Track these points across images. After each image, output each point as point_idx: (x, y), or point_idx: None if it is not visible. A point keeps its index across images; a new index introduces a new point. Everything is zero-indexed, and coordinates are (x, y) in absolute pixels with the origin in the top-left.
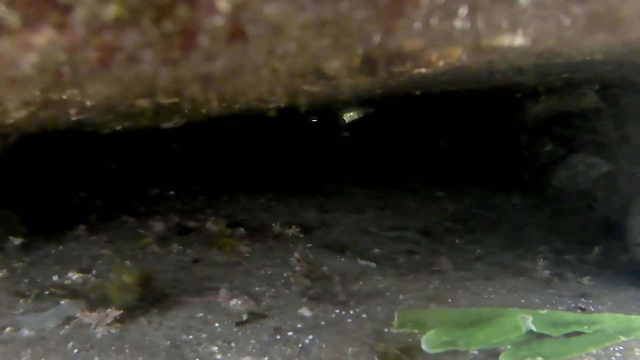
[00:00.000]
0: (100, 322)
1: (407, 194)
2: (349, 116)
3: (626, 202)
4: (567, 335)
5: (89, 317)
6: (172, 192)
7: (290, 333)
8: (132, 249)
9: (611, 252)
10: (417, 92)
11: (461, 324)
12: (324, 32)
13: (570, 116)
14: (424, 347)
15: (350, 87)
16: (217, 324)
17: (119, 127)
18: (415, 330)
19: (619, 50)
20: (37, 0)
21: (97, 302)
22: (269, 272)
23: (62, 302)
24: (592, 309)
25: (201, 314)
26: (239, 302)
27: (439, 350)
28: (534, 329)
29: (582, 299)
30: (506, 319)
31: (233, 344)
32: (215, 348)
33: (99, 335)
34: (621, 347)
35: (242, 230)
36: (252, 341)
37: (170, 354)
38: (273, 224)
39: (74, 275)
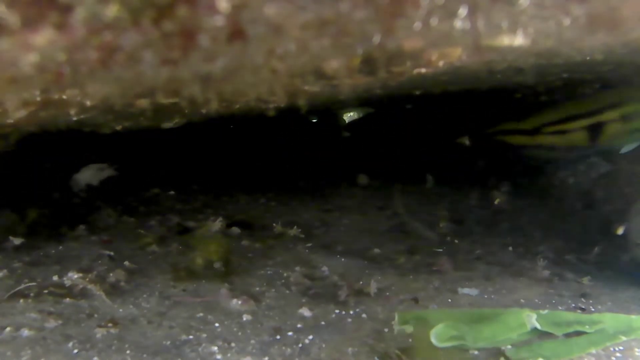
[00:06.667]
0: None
1: (407, 194)
2: (349, 116)
3: (626, 202)
4: (568, 335)
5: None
6: (172, 192)
7: (290, 333)
8: (132, 249)
9: (611, 252)
10: (417, 92)
11: (464, 322)
12: (324, 32)
13: None
14: (433, 340)
15: (350, 87)
16: (217, 324)
17: (119, 127)
18: None
19: (619, 51)
20: (37, 0)
21: None
22: (269, 272)
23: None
24: (592, 309)
25: (201, 314)
26: (239, 302)
27: (448, 344)
28: (539, 326)
29: (582, 299)
30: (511, 316)
31: (233, 344)
32: (216, 348)
33: (98, 335)
34: (621, 347)
35: (241, 230)
36: (252, 341)
37: (170, 354)
38: (274, 224)
39: (74, 275)
